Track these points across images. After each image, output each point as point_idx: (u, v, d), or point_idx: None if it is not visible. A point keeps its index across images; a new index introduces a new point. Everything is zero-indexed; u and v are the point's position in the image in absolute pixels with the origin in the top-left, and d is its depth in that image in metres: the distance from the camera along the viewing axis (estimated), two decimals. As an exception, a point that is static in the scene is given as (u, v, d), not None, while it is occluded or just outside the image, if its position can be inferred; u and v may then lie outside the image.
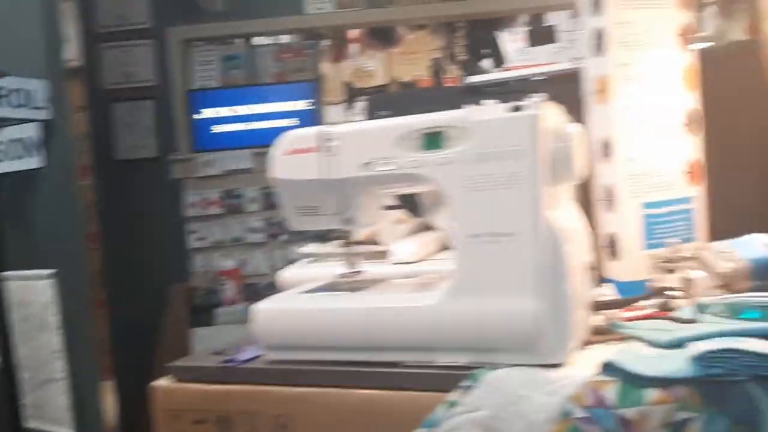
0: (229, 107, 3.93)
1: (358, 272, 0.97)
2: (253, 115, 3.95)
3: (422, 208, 1.25)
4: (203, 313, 3.79)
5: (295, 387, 0.86)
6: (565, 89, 1.16)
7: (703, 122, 1.09)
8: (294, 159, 0.89)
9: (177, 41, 3.94)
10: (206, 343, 3.64)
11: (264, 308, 0.89)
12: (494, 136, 0.79)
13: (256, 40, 4.13)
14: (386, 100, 1.45)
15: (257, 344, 0.92)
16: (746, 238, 1.03)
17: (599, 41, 1.05)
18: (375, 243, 1.17)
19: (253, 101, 3.94)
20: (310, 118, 3.93)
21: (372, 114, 1.32)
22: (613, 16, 1.02)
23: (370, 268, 1.06)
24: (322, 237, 1.13)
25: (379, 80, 4.83)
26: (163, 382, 0.94)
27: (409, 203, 1.24)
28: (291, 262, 1.32)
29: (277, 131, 0.92)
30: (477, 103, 0.86)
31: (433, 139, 0.83)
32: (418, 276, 1.03)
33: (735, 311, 0.81)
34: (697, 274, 0.97)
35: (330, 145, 0.87)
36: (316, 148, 0.88)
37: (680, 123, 1.06)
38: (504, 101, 0.79)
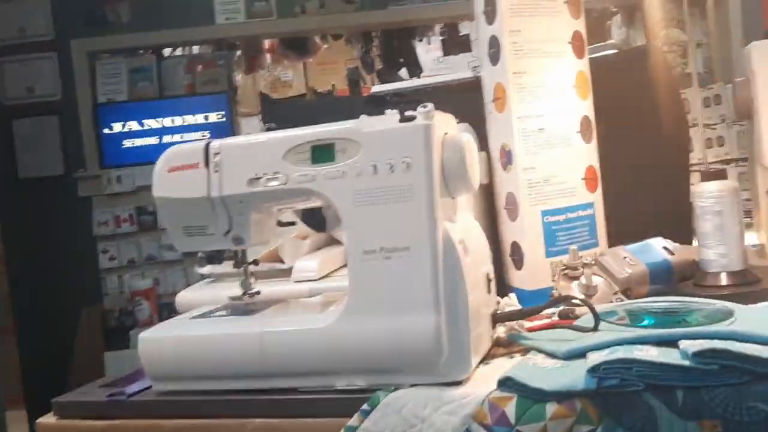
0: (139, 121, 3.81)
1: (254, 293, 0.92)
2: (164, 128, 3.83)
3: (325, 223, 1.21)
4: (118, 335, 3.64)
5: (187, 419, 0.81)
6: (467, 98, 1.15)
7: (595, 129, 1.09)
8: (177, 176, 0.84)
9: (81, 53, 3.79)
10: (121, 366, 3.48)
11: (150, 337, 0.83)
12: (385, 147, 0.76)
13: (166, 52, 4.02)
14: (283, 112, 1.40)
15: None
16: (643, 243, 1.04)
17: (494, 49, 1.04)
18: (277, 260, 1.13)
19: (164, 114, 3.83)
20: (223, 131, 3.84)
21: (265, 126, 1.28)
22: (507, 24, 1.02)
23: (270, 288, 1.02)
24: (216, 258, 1.07)
25: (295, 90, 4.79)
26: (47, 419, 0.87)
27: (312, 218, 1.20)
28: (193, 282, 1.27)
29: None
30: (380, 113, 0.84)
31: (322, 152, 0.79)
32: (320, 294, 1.00)
33: (633, 318, 0.81)
34: (598, 281, 0.97)
35: (214, 161, 0.83)
36: (199, 164, 0.83)
37: (575, 130, 1.06)
38: (405, 111, 0.77)
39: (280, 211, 0.90)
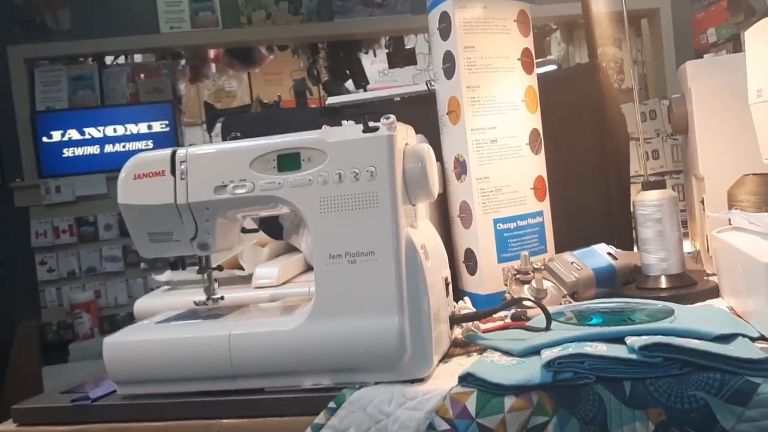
0: (79, 129, 3.74)
1: (217, 299, 0.94)
2: (106, 137, 3.77)
3: (283, 230, 1.24)
4: (56, 349, 3.54)
5: (152, 422, 0.82)
6: (422, 110, 1.20)
7: (542, 141, 1.15)
8: (143, 183, 0.86)
9: (19, 60, 3.70)
10: (59, 381, 3.40)
11: (115, 341, 0.84)
12: (350, 156, 0.80)
13: (108, 60, 3.96)
14: (243, 122, 1.42)
15: (110, 380, 0.87)
16: (589, 248, 1.10)
17: (448, 64, 1.09)
18: (237, 268, 1.14)
19: (105, 123, 3.77)
20: (166, 140, 3.81)
21: (225, 135, 1.30)
22: (461, 40, 1.06)
23: (231, 294, 1.03)
24: (179, 264, 1.08)
25: (240, 101, 4.77)
26: (6, 427, 0.87)
27: (270, 226, 1.22)
28: (152, 288, 1.27)
29: (132, 154, 0.88)
30: (337, 124, 0.87)
31: (288, 161, 0.82)
32: (281, 300, 1.02)
33: (582, 318, 0.86)
34: (548, 284, 1.03)
35: (181, 169, 0.85)
36: (165, 171, 0.85)
37: (524, 142, 1.12)
38: (362, 122, 0.80)
39: (244, 217, 0.93)
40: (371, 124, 0.81)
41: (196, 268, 0.96)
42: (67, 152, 3.72)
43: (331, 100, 1.35)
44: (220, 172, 0.83)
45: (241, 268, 1.14)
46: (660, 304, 0.89)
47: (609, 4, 1.63)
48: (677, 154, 2.42)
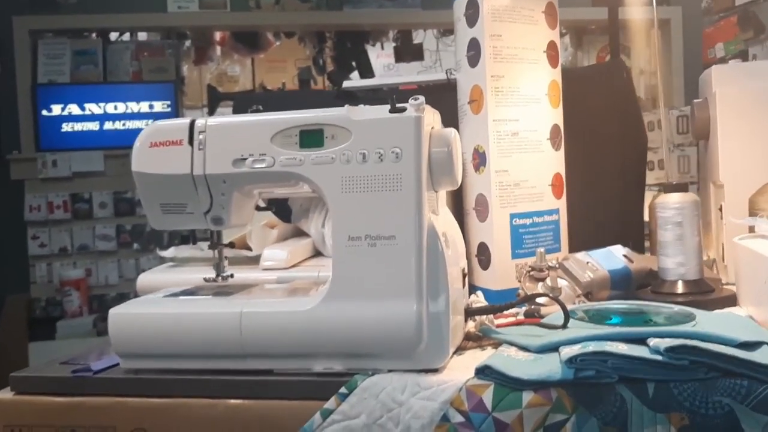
0: (80, 105, 3.70)
1: (227, 276, 0.92)
2: (106, 114, 3.73)
3: (292, 214, 1.21)
4: (43, 325, 3.51)
5: (155, 398, 0.80)
6: (439, 99, 1.17)
7: (563, 138, 1.13)
8: (159, 152, 0.83)
9: (23, 31, 3.66)
10: (46, 358, 3.37)
11: (121, 313, 0.81)
12: (376, 136, 0.77)
13: (113, 36, 3.92)
14: (255, 102, 1.39)
15: (111, 353, 0.85)
16: (605, 249, 1.08)
17: (473, 52, 1.07)
18: (245, 248, 1.12)
19: (107, 99, 3.73)
20: (169, 121, 3.77)
21: (241, 112, 1.27)
22: (488, 28, 1.04)
23: (238, 275, 1.01)
24: (186, 240, 1.06)
25: (242, 86, 4.74)
26: (3, 395, 0.84)
27: (279, 208, 1.20)
28: (144, 269, 1.24)
29: (132, 133, 0.85)
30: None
31: (311, 137, 0.80)
32: (288, 282, 1.00)
33: (600, 318, 0.84)
34: (562, 283, 1.01)
35: (199, 138, 0.82)
36: (183, 141, 0.82)
37: (545, 137, 1.10)
38: (390, 102, 0.78)
39: (260, 194, 0.90)
40: (399, 105, 0.79)
41: (201, 244, 0.94)
42: (66, 127, 3.69)
43: (347, 84, 1.33)
44: (240, 144, 0.81)
45: (249, 249, 1.11)
46: (678, 307, 0.88)
47: (628, 11, 1.62)
48: (684, 165, 2.41)
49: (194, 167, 0.82)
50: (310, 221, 1.19)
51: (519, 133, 1.07)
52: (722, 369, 0.67)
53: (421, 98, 0.78)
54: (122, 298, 3.73)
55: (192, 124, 0.83)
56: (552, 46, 1.11)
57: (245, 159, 0.81)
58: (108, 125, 3.73)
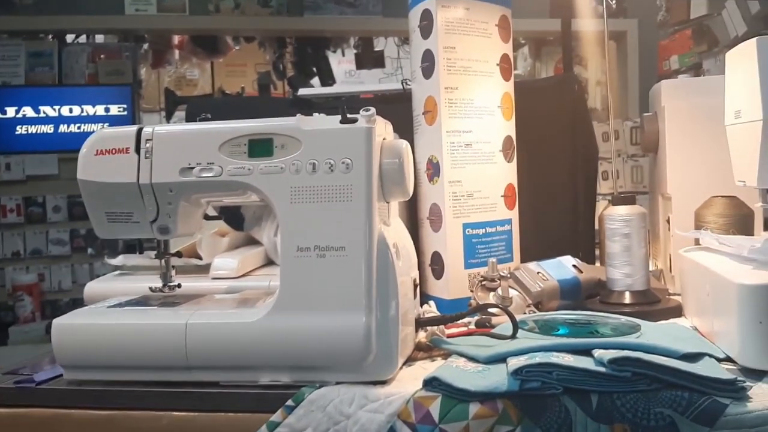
0: (34, 107, 3.62)
1: (174, 286, 0.90)
2: (61, 117, 3.66)
3: (244, 222, 1.20)
4: (-5, 331, 3.42)
5: (98, 410, 0.78)
6: (393, 109, 1.17)
7: (515, 149, 1.14)
8: (105, 160, 0.82)
9: (-25, 31, 3.57)
10: (-4, 365, 3.29)
11: (64, 323, 0.80)
12: (326, 146, 0.77)
13: (69, 38, 3.84)
14: (207, 108, 1.38)
15: (57, 363, 0.83)
16: (555, 260, 1.10)
17: (428, 63, 1.07)
18: (195, 256, 1.10)
19: (62, 102, 3.66)
20: (123, 124, 3.71)
21: (192, 118, 1.25)
22: (442, 40, 1.05)
23: (187, 284, 0.99)
24: (132, 249, 1.04)
25: (201, 90, 4.69)
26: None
27: (231, 215, 1.18)
28: (98, 275, 1.22)
29: (87, 136, 0.84)
30: (308, 115, 0.84)
31: (260, 147, 0.79)
32: (238, 292, 0.98)
33: (548, 328, 0.85)
34: (513, 293, 1.01)
35: (146, 147, 0.81)
36: (129, 149, 0.81)
37: (498, 149, 1.11)
38: (340, 112, 0.77)
39: (209, 203, 0.89)
40: (349, 115, 0.78)
41: (150, 253, 0.92)
42: (21, 129, 3.60)
43: (303, 91, 1.32)
44: (188, 153, 0.80)
45: (199, 257, 1.10)
46: (624, 318, 0.89)
47: (584, 23, 1.64)
48: (637, 176, 2.45)
49: (140, 176, 0.81)
50: (262, 230, 1.18)
51: (472, 145, 1.07)
52: (664, 381, 0.68)
53: (372, 109, 0.78)
54: (75, 303, 3.66)
55: (139, 132, 0.81)
56: (505, 58, 1.12)
57: (192, 168, 0.79)
58: (63, 128, 3.65)
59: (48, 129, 3.64)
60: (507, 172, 1.12)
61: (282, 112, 0.87)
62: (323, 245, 0.76)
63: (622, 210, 1.01)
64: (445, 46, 1.05)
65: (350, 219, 0.75)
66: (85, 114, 3.66)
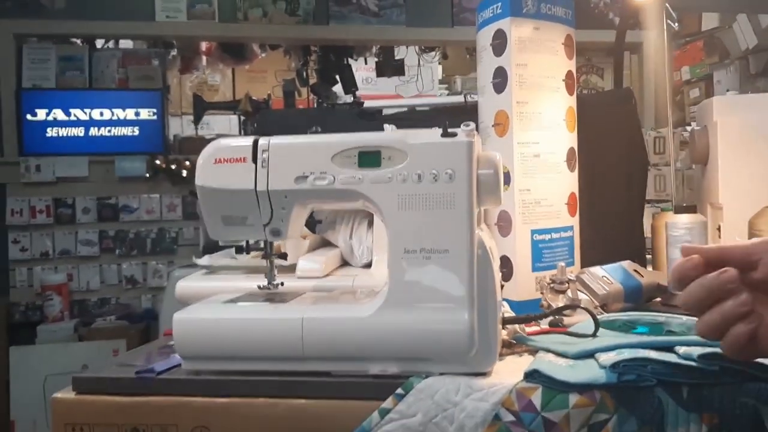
0: (65, 110, 3.69)
1: (277, 284, 0.98)
2: (92, 120, 3.73)
3: (318, 225, 1.27)
4: (23, 330, 3.48)
5: (217, 398, 0.85)
6: (455, 121, 1.25)
7: (577, 159, 1.22)
8: (223, 168, 0.89)
9: (8, 35, 3.64)
10: (26, 363, 3.36)
11: (186, 317, 0.87)
12: (430, 158, 0.84)
13: (99, 43, 3.92)
14: (275, 117, 1.45)
15: (172, 355, 0.90)
16: (617, 264, 1.17)
17: (499, 79, 1.14)
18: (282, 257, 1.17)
19: (92, 106, 3.73)
20: (154, 128, 3.79)
21: (264, 128, 1.32)
22: (515, 57, 1.12)
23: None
24: (244, 249, 1.11)
25: (222, 95, 4.77)
26: (64, 394, 0.88)
27: (308, 220, 1.25)
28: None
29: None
30: (375, 126, 0.91)
31: (369, 158, 0.86)
32: (326, 291, 1.05)
33: (627, 327, 0.92)
34: (581, 295, 1.09)
35: (262, 157, 0.88)
36: (246, 158, 0.88)
37: (562, 159, 1.18)
38: (442, 127, 0.85)
39: (312, 209, 0.96)
40: (450, 129, 0.86)
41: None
42: (51, 132, 3.68)
43: (369, 104, 1.40)
44: (302, 163, 0.87)
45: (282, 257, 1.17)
46: (685, 317, 0.96)
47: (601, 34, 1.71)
48: (660, 184, 2.53)
49: (258, 183, 0.88)
50: (337, 233, 1.25)
51: (540, 155, 1.15)
52: (747, 373, 0.76)
53: (472, 124, 0.85)
54: (104, 303, 3.73)
55: (255, 143, 0.89)
56: (570, 75, 1.19)
57: (307, 177, 0.87)
58: (93, 131, 3.73)
59: (78, 132, 3.71)
60: (570, 182, 1.20)
61: (351, 121, 0.95)
62: (428, 248, 0.83)
63: (684, 218, 1.08)
64: (517, 63, 1.13)
65: (453, 224, 0.83)
66: (115, 118, 3.73)
